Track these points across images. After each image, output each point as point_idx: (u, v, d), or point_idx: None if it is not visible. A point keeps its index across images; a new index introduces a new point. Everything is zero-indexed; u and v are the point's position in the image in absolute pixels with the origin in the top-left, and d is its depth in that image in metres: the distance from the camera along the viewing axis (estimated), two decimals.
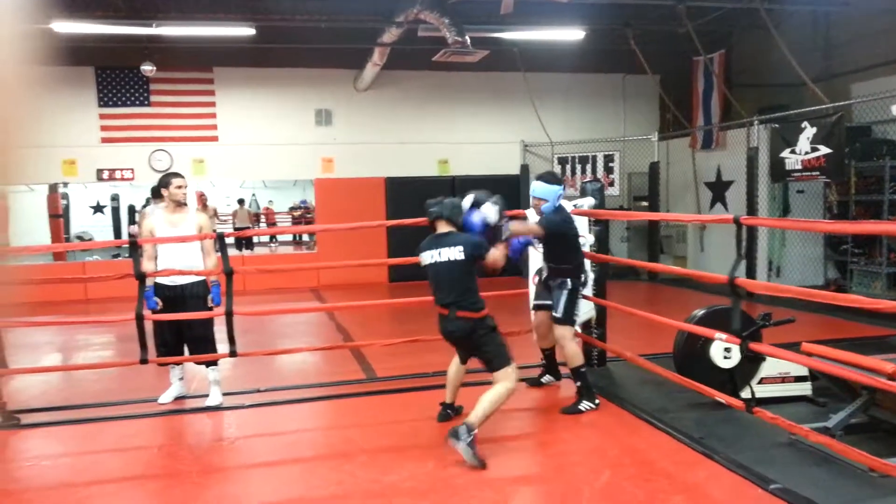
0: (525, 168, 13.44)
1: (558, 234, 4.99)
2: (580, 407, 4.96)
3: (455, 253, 4.20)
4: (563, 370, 5.48)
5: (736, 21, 11.58)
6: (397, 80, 12.95)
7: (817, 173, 9.05)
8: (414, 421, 4.88)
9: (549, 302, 5.20)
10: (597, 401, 5.02)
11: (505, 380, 4.16)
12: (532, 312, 5.63)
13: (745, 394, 4.55)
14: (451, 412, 4.76)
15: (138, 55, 11.37)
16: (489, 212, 4.43)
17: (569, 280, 5.07)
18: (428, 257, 4.31)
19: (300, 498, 3.75)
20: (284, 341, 8.12)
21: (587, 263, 5.84)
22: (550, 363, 5.65)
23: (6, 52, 0.57)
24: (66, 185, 13.30)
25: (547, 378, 5.67)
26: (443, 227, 4.35)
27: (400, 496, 3.67)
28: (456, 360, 4.69)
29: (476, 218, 4.41)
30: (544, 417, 5.10)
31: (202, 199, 14.30)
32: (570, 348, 5.09)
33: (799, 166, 9.24)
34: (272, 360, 6.82)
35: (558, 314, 5.08)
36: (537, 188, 5.13)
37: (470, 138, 13.30)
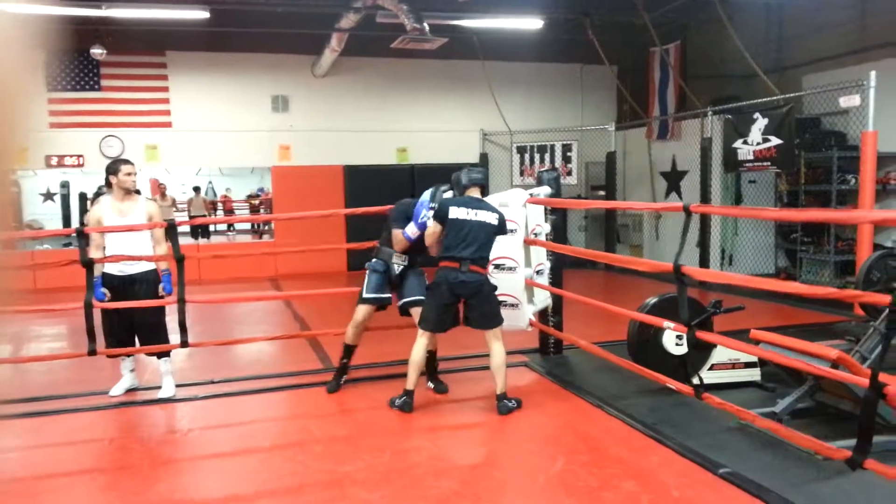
0: (484, 157, 13.47)
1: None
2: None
3: (491, 218, 4.74)
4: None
5: (692, 13, 11.73)
6: (356, 67, 12.81)
7: (768, 163, 9.25)
8: (370, 410, 4.87)
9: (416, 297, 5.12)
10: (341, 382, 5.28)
11: (499, 338, 4.73)
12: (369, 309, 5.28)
13: (695, 380, 4.63)
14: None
15: (88, 38, 11.05)
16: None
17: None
18: (462, 213, 4.70)
19: (254, 491, 3.71)
20: (240, 330, 8.02)
21: (544, 253, 5.89)
22: (430, 365, 5.24)
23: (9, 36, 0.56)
24: (14, 172, 12.88)
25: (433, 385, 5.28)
26: (475, 193, 4.87)
27: (355, 486, 3.66)
28: (422, 344, 4.75)
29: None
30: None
31: (161, 189, 13.88)
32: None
33: (751, 156, 9.43)
34: (227, 350, 6.71)
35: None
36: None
37: (429, 126, 13.22)
